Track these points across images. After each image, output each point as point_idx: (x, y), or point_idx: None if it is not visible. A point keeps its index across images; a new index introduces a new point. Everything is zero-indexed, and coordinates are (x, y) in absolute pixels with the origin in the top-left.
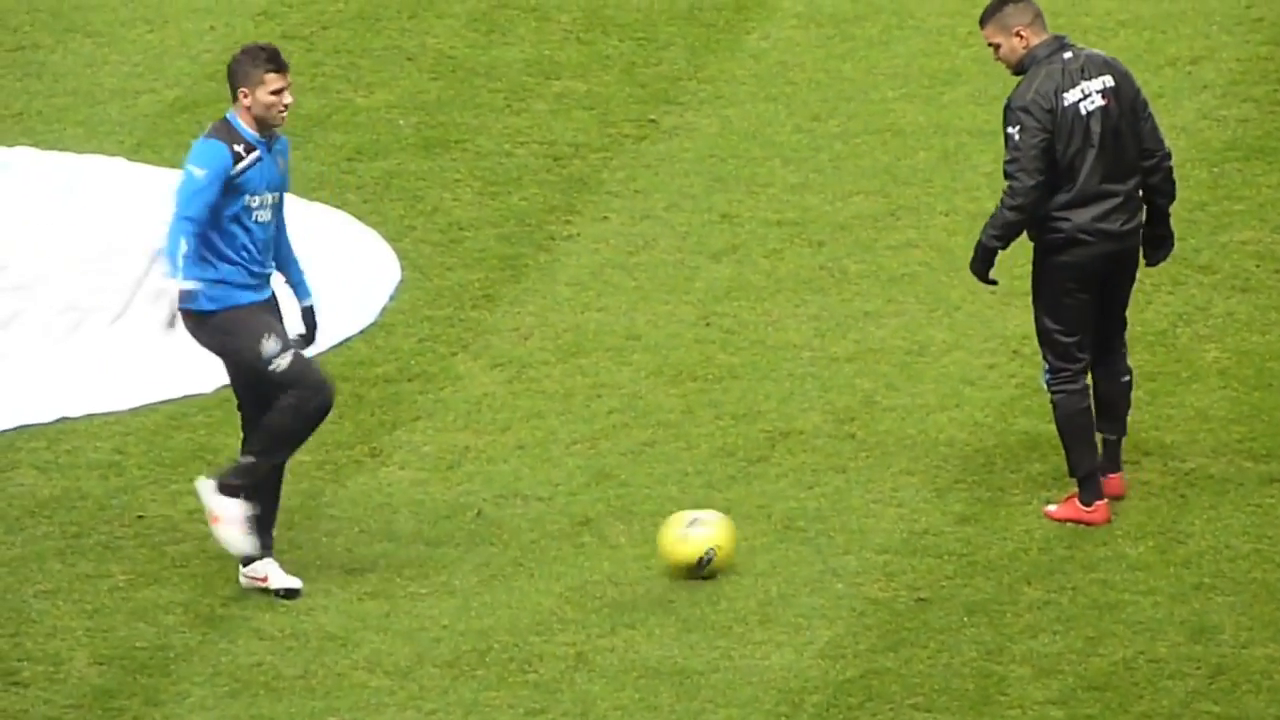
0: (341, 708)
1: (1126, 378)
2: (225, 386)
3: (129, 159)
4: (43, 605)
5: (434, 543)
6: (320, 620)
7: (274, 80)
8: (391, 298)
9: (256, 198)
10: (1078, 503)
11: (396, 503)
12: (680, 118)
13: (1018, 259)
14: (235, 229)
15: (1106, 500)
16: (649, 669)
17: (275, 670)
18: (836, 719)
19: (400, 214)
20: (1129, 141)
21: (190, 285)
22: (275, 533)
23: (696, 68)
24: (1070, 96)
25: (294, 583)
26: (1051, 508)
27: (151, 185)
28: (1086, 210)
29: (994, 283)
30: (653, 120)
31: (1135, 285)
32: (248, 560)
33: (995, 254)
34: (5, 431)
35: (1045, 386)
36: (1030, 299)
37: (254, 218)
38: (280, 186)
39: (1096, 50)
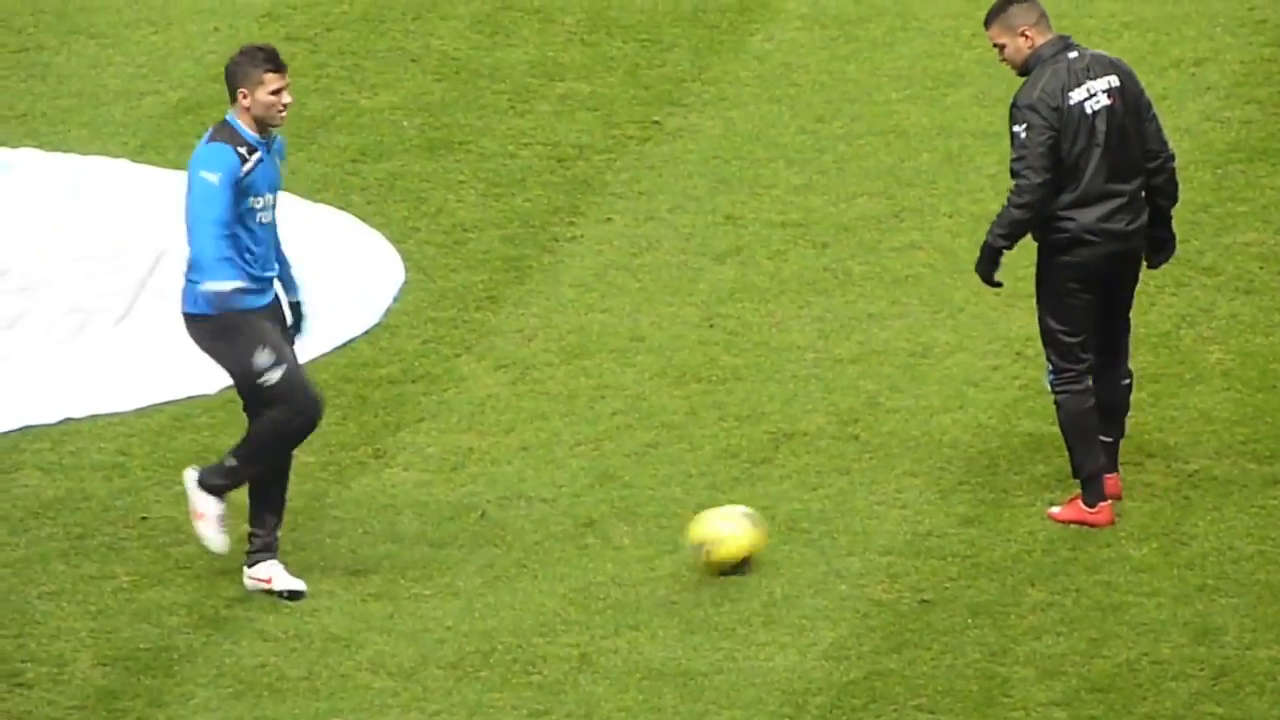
0: (345, 709)
1: (1127, 380)
2: (229, 388)
3: (133, 160)
4: (47, 606)
5: (438, 544)
6: (324, 621)
7: (273, 80)
8: (395, 299)
9: (260, 199)
10: (1081, 504)
11: (400, 504)
12: (684, 119)
13: (1021, 260)
14: (240, 232)
15: (1110, 502)
16: (653, 670)
17: (279, 671)
18: None
19: (404, 215)
20: (1134, 141)
21: (231, 285)
22: (279, 534)
23: (700, 69)
24: (1076, 95)
25: (298, 585)
26: (1055, 509)
27: (156, 187)
28: (1091, 210)
29: (999, 284)
30: (656, 122)
31: (1138, 287)
32: (254, 562)
33: (1001, 254)
34: (9, 432)
35: (1049, 387)
36: (1034, 300)
37: (258, 219)
38: (279, 186)
39: (1101, 51)
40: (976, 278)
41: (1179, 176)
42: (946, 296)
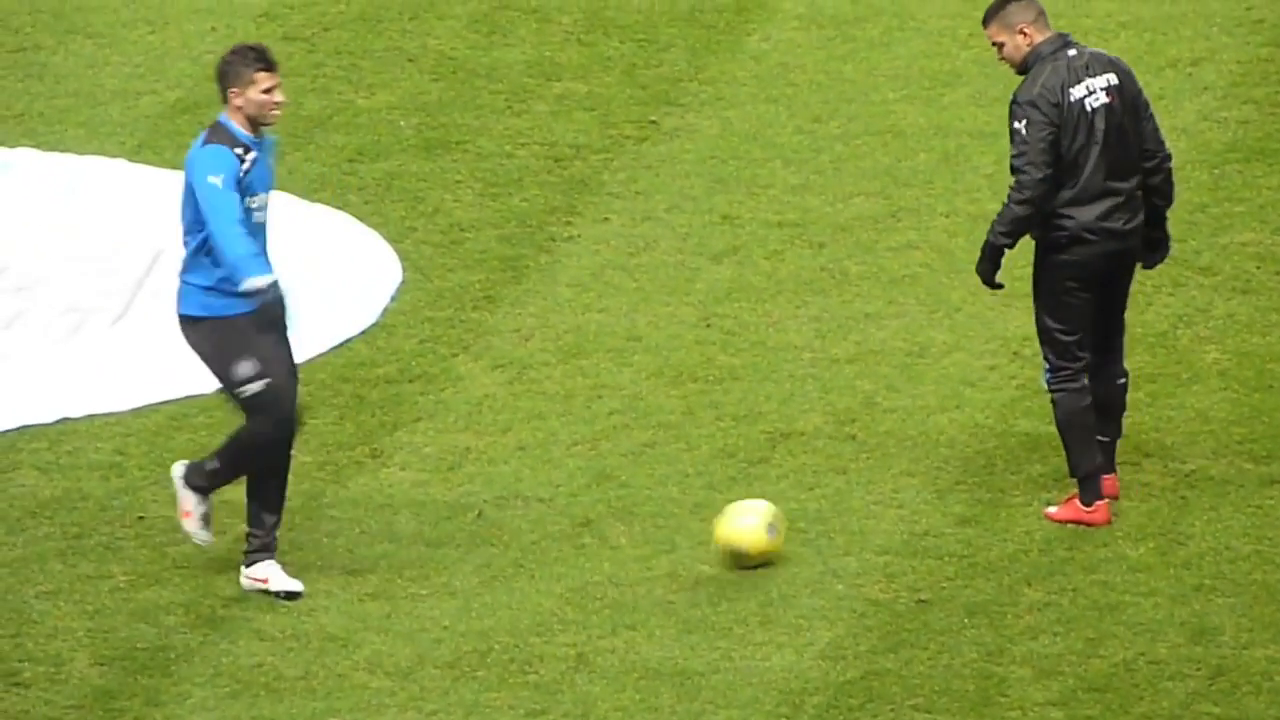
0: (342, 709)
1: (1122, 380)
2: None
3: (130, 160)
4: (44, 606)
5: (435, 544)
6: (321, 621)
7: (265, 79)
8: (392, 299)
9: (255, 199)
10: (1078, 504)
11: (397, 504)
12: (681, 119)
13: (1017, 260)
14: None
15: (1107, 501)
16: (649, 670)
17: (276, 671)
18: None
19: (401, 215)
20: (1132, 140)
21: (267, 280)
22: (277, 533)
23: (697, 69)
24: (1076, 92)
25: (295, 585)
26: (1052, 509)
27: (153, 187)
28: (1090, 208)
29: (1000, 286)
30: (653, 122)
31: (1135, 287)
32: (251, 562)
33: (1002, 253)
34: (6, 432)
35: (1046, 386)
36: (1031, 299)
37: (253, 219)
38: (272, 186)
39: (1099, 49)
40: (974, 278)
41: (1175, 177)
42: (943, 296)
